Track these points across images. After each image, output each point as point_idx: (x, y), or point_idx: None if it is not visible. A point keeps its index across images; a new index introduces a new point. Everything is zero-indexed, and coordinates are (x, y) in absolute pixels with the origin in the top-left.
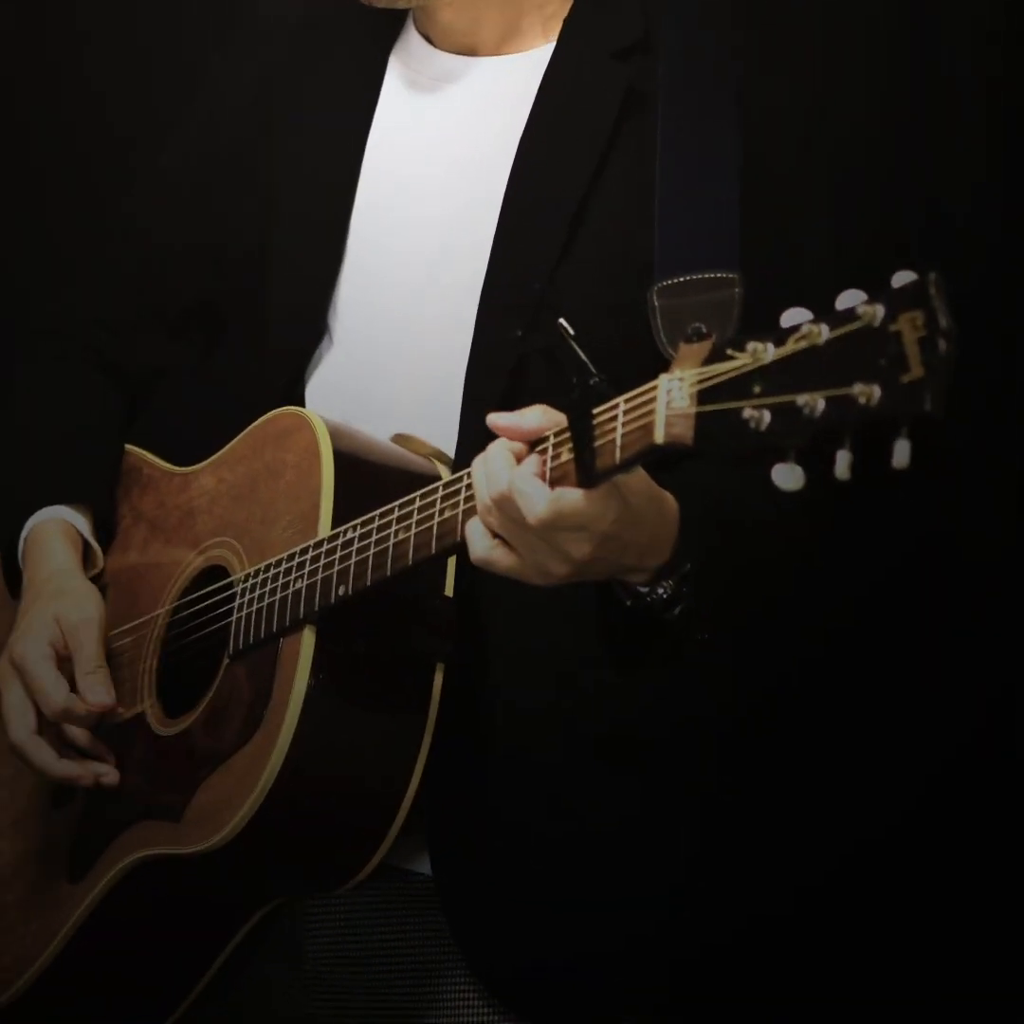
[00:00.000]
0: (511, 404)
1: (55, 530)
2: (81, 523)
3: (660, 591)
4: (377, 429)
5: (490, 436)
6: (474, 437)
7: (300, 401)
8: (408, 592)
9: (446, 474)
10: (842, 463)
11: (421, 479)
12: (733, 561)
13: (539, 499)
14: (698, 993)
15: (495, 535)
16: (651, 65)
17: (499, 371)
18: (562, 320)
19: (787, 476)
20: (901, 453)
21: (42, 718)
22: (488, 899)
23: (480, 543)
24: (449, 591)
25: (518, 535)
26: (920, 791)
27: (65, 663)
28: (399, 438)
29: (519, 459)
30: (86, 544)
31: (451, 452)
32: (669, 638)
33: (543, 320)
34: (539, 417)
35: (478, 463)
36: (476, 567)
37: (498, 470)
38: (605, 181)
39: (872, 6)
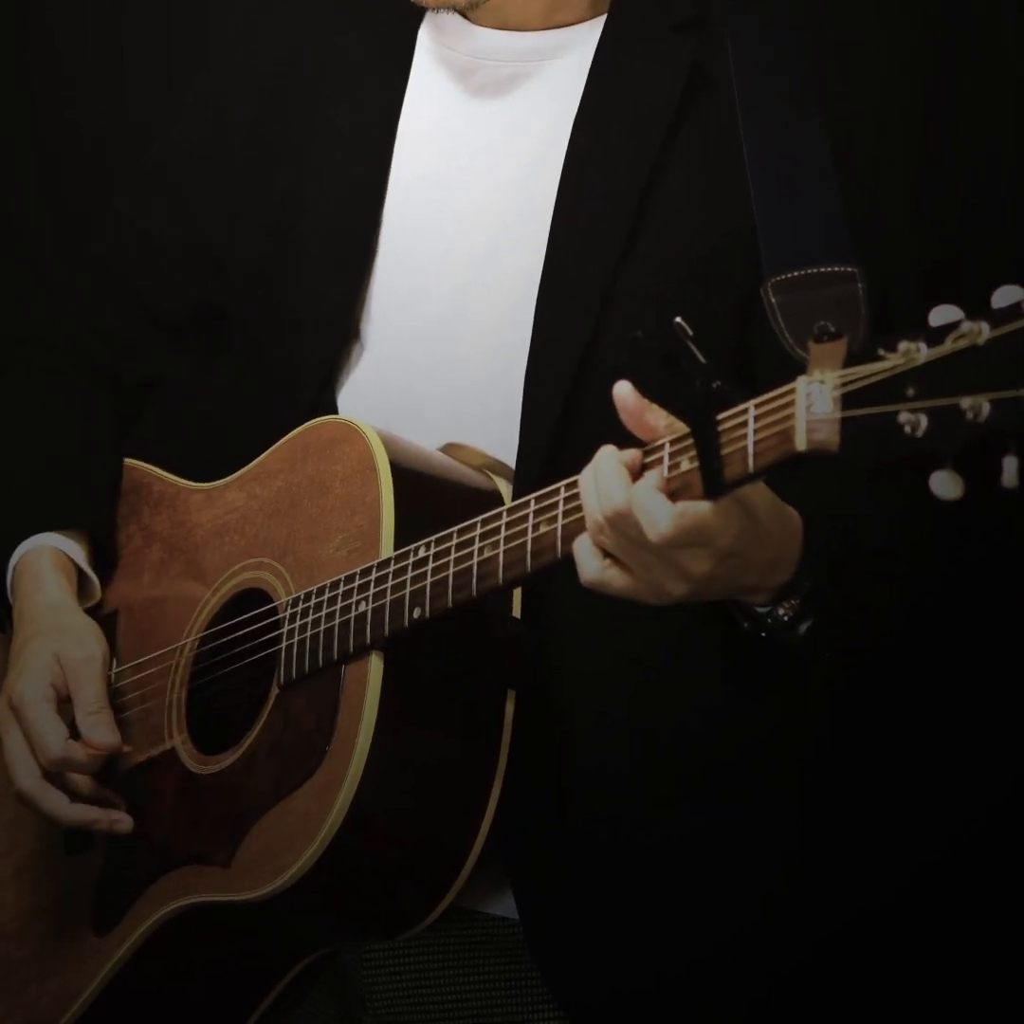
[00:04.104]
0: (577, 405)
1: (45, 560)
2: (74, 551)
3: (781, 612)
4: (420, 437)
5: (553, 440)
6: (536, 442)
7: (330, 410)
8: (476, 615)
9: (503, 486)
10: (1010, 470)
11: (479, 492)
12: (855, 578)
13: (662, 516)
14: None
15: (607, 555)
16: (714, 42)
17: (563, 371)
18: (680, 320)
19: (946, 484)
20: None
21: None
22: (578, 936)
23: (591, 564)
24: (517, 612)
25: (634, 554)
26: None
27: (65, 704)
28: (450, 448)
29: (632, 470)
30: (81, 574)
31: (507, 460)
32: (793, 662)
33: (608, 316)
34: (662, 417)
35: (587, 477)
36: (542, 587)
37: (612, 487)
38: (669, 168)
39: None
